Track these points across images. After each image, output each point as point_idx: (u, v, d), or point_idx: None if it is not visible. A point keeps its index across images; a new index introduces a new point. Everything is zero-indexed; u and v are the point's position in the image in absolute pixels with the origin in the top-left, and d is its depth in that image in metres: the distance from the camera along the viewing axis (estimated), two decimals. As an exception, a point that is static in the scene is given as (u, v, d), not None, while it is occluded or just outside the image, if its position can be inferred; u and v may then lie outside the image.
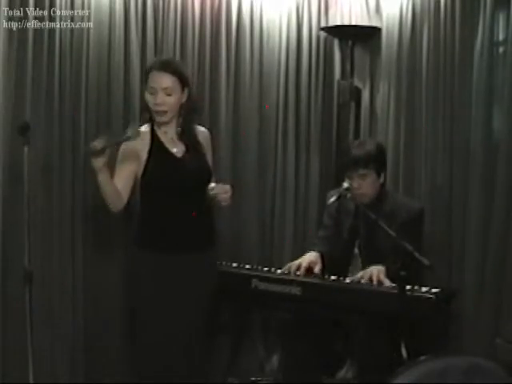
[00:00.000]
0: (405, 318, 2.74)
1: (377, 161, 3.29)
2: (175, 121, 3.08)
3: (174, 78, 2.98)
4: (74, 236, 3.61)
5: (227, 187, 3.05)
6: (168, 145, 3.06)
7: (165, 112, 3.00)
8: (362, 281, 3.14)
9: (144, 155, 3.02)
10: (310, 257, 3.39)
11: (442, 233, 3.58)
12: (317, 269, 3.33)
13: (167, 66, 3.00)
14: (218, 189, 3.03)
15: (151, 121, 3.07)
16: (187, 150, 3.08)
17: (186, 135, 3.09)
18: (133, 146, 2.99)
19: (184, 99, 3.04)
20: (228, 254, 3.75)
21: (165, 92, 2.97)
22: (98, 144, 2.81)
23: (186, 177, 3.02)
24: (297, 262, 3.37)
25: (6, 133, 3.38)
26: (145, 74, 3.08)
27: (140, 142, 3.01)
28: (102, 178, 2.87)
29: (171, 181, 3.02)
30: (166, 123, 3.06)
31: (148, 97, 3.01)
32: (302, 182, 4.15)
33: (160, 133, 3.07)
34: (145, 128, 3.08)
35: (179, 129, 3.08)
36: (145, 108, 3.09)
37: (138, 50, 3.73)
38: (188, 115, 3.09)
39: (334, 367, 3.52)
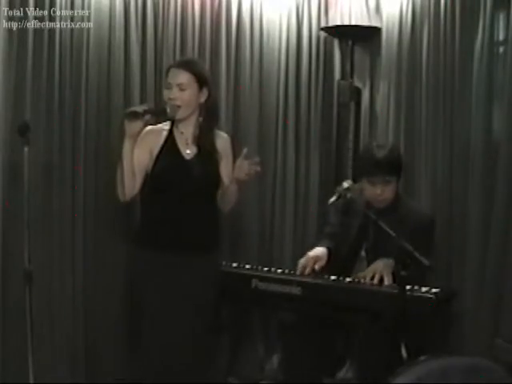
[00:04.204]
0: (405, 317, 2.74)
1: (400, 167, 3.29)
2: (194, 122, 3.09)
3: (190, 75, 3.03)
4: (74, 236, 3.61)
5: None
6: (180, 145, 3.08)
7: (178, 107, 3.02)
8: (367, 279, 3.13)
9: (155, 151, 3.05)
10: (315, 253, 3.31)
11: (442, 233, 3.58)
12: (317, 266, 3.25)
13: (184, 64, 3.09)
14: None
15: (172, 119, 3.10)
16: (199, 153, 3.08)
17: (202, 138, 3.09)
18: (149, 140, 3.04)
19: (203, 99, 3.07)
20: (228, 254, 3.76)
21: (179, 87, 3.02)
22: (137, 108, 2.92)
23: (190, 180, 3.02)
24: (303, 261, 3.30)
25: (6, 133, 3.38)
26: (165, 72, 3.15)
27: (156, 138, 3.05)
28: (127, 148, 2.90)
29: (175, 182, 3.02)
30: (182, 122, 3.07)
31: (164, 92, 3.07)
32: (302, 182, 4.15)
33: (176, 132, 3.09)
34: (164, 125, 3.11)
35: (197, 131, 3.09)
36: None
37: (138, 50, 3.74)
38: (207, 116, 3.10)
39: (334, 367, 3.52)
